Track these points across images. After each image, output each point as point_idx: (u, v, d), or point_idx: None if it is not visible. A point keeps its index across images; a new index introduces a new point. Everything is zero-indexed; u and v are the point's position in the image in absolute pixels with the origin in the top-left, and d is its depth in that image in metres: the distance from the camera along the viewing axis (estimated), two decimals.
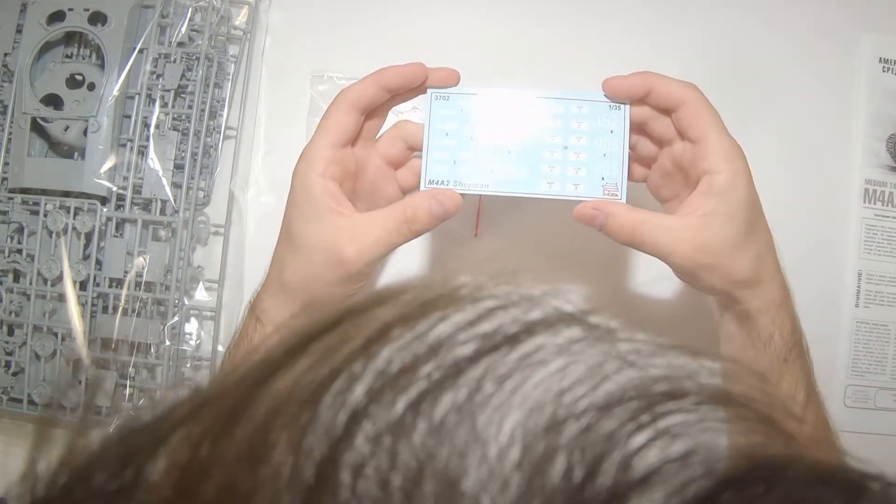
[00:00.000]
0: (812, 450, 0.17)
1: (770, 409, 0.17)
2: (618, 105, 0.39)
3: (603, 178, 0.39)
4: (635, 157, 0.42)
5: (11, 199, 0.48)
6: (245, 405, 0.16)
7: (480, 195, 0.50)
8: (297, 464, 0.14)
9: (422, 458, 0.14)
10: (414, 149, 0.42)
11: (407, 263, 0.51)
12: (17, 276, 0.48)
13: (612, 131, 0.39)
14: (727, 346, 0.45)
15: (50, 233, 0.47)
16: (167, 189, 0.47)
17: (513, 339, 0.16)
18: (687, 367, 0.17)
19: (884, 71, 0.53)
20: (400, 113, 0.49)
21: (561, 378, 0.16)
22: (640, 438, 0.15)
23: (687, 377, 0.17)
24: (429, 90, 0.39)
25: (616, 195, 0.39)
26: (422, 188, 0.39)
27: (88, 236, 0.47)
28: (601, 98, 0.39)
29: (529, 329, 0.17)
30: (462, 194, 0.39)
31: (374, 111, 0.40)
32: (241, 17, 0.51)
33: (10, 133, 0.48)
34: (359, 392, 0.15)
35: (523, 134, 0.39)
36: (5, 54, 0.48)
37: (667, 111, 0.39)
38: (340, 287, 0.39)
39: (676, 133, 0.40)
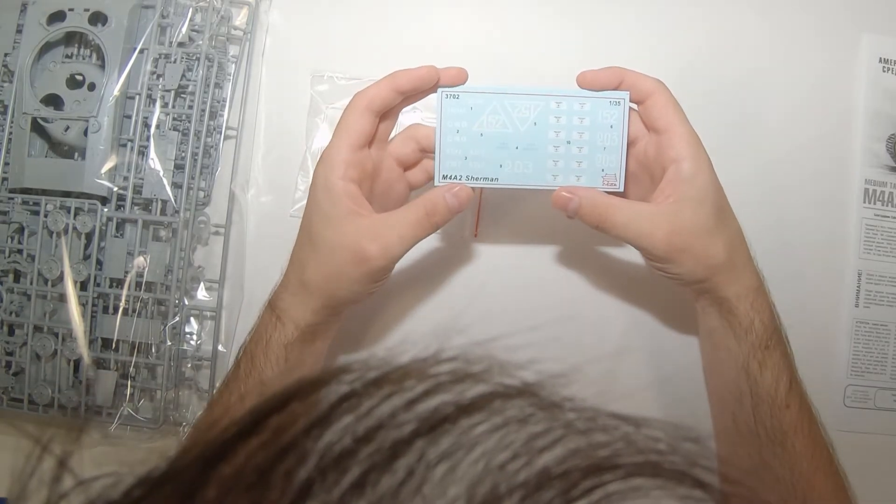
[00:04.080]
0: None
1: (704, 475, 0.17)
2: (617, 101, 0.41)
3: (603, 170, 0.42)
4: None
5: (12, 199, 0.48)
6: (197, 487, 0.16)
7: (479, 196, 0.50)
8: None
9: None
10: (426, 151, 0.44)
11: (408, 264, 0.51)
12: (18, 276, 0.48)
13: (611, 126, 0.41)
14: (708, 341, 0.46)
15: (50, 233, 0.47)
16: (167, 189, 0.47)
17: (451, 418, 0.17)
18: (627, 436, 0.17)
19: (884, 71, 0.53)
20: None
21: (500, 452, 0.16)
22: None
23: (625, 447, 0.17)
24: (439, 90, 0.41)
25: (615, 185, 0.42)
26: (436, 183, 0.41)
27: (89, 236, 0.47)
28: (600, 95, 0.41)
29: (468, 407, 0.17)
30: (473, 188, 0.41)
31: (386, 113, 0.42)
32: (241, 18, 0.51)
33: (11, 133, 0.48)
34: (304, 473, 0.16)
35: (529, 130, 0.41)
36: (5, 54, 0.48)
37: (637, 102, 0.41)
38: (362, 284, 0.40)
39: (643, 127, 0.42)
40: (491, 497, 0.16)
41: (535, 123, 0.41)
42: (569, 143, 0.41)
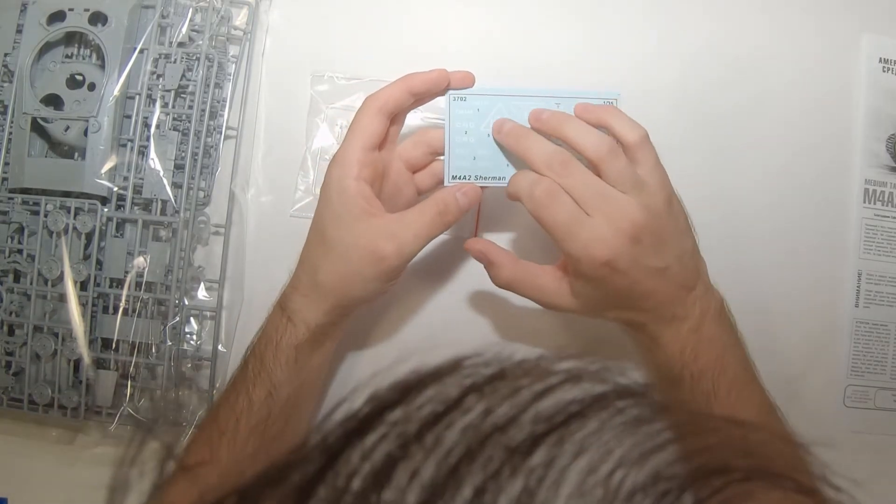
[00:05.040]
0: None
1: (811, 481, 0.17)
2: (610, 101, 0.42)
3: None
4: None
5: (12, 199, 0.48)
6: (314, 485, 0.16)
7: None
8: None
9: None
10: (436, 153, 0.45)
11: (408, 266, 0.51)
12: (18, 276, 0.48)
13: None
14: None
15: (50, 233, 0.47)
16: (167, 189, 0.47)
17: (576, 416, 0.17)
18: (734, 439, 0.17)
19: (884, 71, 0.53)
20: None
21: (610, 458, 0.16)
22: None
23: (732, 451, 0.17)
24: (448, 92, 0.42)
25: None
26: (446, 183, 0.42)
27: (89, 236, 0.47)
28: (595, 95, 0.42)
29: (592, 406, 0.17)
30: (487, 186, 0.42)
31: (395, 116, 0.42)
32: (241, 18, 0.51)
33: (11, 133, 0.48)
34: (426, 475, 0.15)
35: (532, 129, 0.42)
36: (5, 54, 0.48)
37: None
38: (378, 284, 0.41)
39: None
40: (607, 496, 0.16)
41: None
42: None
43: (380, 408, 0.17)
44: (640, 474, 0.16)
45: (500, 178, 0.42)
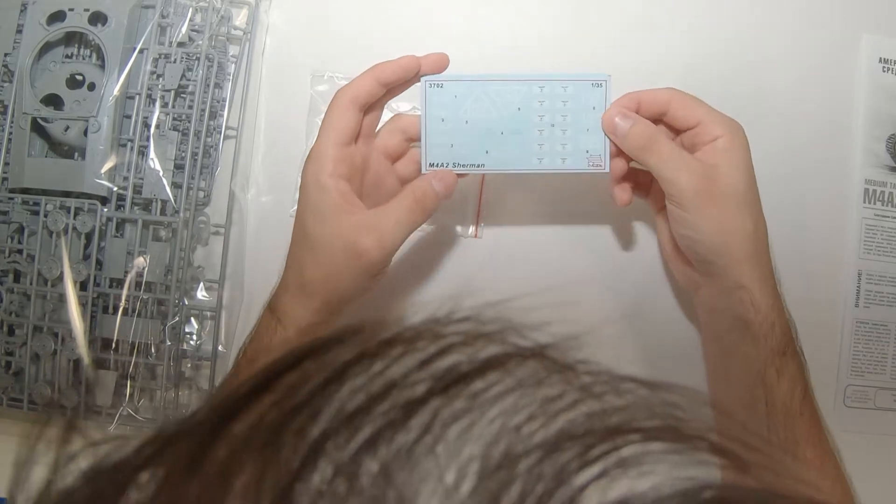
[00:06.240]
0: (773, 475, 0.17)
1: (726, 441, 0.17)
2: (599, 83, 0.41)
3: (587, 151, 0.42)
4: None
5: (12, 199, 0.48)
6: (207, 445, 0.16)
7: (480, 194, 0.50)
8: (258, 499, 0.15)
9: (371, 498, 0.15)
10: (412, 139, 0.44)
11: (409, 266, 0.51)
12: (18, 276, 0.48)
13: (594, 108, 0.41)
14: (716, 347, 0.45)
15: (50, 233, 0.47)
16: (167, 189, 0.47)
17: (465, 378, 0.16)
18: (644, 400, 0.17)
19: (884, 71, 0.53)
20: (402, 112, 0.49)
21: (515, 414, 0.16)
22: (588, 474, 0.15)
23: (642, 410, 0.17)
24: (423, 79, 0.41)
25: (600, 165, 0.42)
26: (423, 171, 0.41)
27: (89, 236, 0.47)
28: (583, 77, 0.41)
29: (483, 367, 0.17)
30: (465, 173, 0.42)
31: (370, 107, 0.41)
32: (241, 18, 0.51)
33: (11, 133, 0.48)
34: (316, 431, 0.16)
35: (514, 115, 0.41)
36: (5, 54, 0.48)
37: (660, 117, 0.41)
38: (361, 280, 0.40)
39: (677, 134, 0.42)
40: (506, 458, 0.15)
41: (519, 109, 0.41)
42: (553, 126, 0.41)
43: (274, 373, 0.17)
44: (544, 434, 0.16)
45: (478, 165, 0.41)
